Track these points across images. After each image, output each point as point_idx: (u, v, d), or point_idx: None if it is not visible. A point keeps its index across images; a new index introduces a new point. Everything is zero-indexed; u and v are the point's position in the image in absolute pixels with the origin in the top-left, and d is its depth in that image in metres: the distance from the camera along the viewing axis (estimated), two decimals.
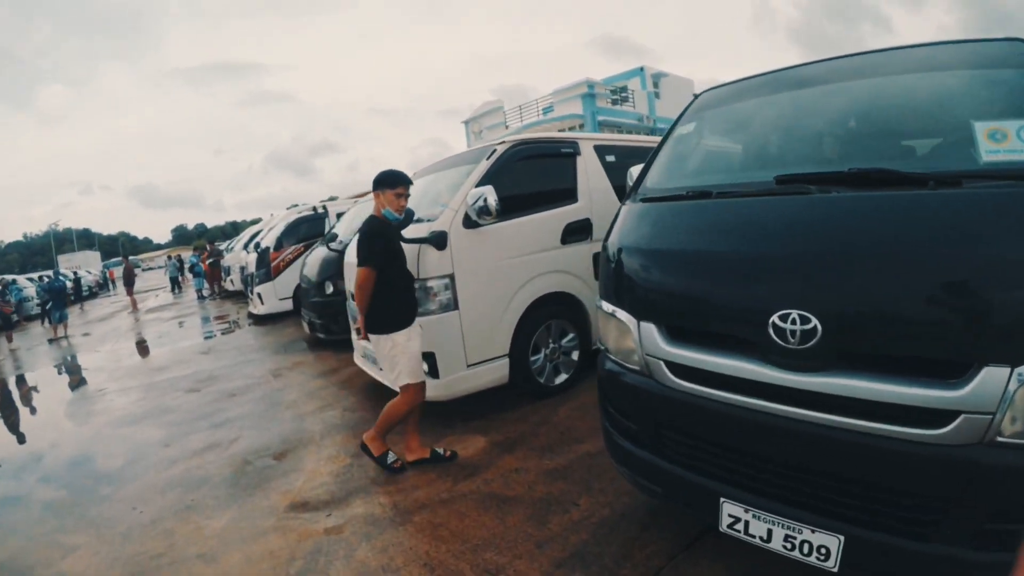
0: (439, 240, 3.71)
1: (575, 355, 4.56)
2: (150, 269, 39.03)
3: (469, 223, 3.86)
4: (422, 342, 3.43)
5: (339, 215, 11.22)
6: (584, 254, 4.53)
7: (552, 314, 4.39)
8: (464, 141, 38.30)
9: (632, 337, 2.07)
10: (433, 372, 3.76)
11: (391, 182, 3.30)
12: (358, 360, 4.96)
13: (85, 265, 42.55)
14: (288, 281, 10.70)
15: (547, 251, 4.33)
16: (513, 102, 35.84)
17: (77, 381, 7.57)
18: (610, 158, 5.05)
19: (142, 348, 9.78)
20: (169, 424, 4.88)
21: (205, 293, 18.23)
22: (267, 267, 10.61)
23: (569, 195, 4.60)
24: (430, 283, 3.72)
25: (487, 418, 4.05)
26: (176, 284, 22.22)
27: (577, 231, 4.52)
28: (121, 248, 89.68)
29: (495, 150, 4.25)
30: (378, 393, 4.76)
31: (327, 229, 11.05)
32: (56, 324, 12.85)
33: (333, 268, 6.93)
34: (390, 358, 3.27)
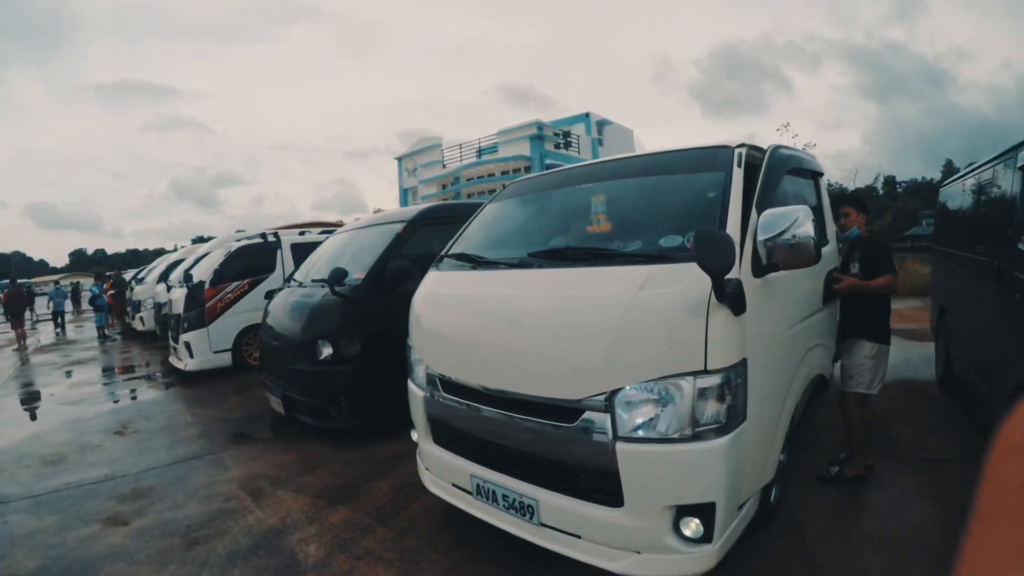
0: (736, 297, 2.02)
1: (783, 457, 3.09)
2: (43, 295, 34.11)
3: (759, 268, 2.27)
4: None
5: (297, 247, 9.05)
6: (829, 318, 3.34)
7: (803, 407, 3.17)
8: (396, 176, 36.30)
9: None
10: (706, 535, 2.09)
11: None
12: (438, 486, 3.00)
13: None
14: (227, 328, 8.32)
15: (815, 314, 3.08)
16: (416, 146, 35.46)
17: None
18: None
19: (26, 412, 6.94)
20: None
21: (108, 331, 14.77)
22: (200, 308, 8.15)
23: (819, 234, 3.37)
24: (714, 380, 2.02)
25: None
26: (59, 320, 16.81)
27: (831, 285, 3.33)
28: (13, 268, 78.50)
29: (737, 153, 2.65)
30: (470, 535, 2.85)
31: (279, 263, 8.84)
32: None
33: (334, 321, 4.85)
34: (858, 367, 3.31)
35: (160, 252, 26.54)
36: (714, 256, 1.92)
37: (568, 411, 2.26)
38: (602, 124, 32.87)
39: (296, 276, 6.20)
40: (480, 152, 31.05)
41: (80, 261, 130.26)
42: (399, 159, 36.43)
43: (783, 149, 3.05)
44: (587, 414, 2.20)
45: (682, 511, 2.10)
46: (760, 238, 2.20)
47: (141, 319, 13.05)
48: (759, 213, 2.33)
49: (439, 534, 3.12)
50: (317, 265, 6.10)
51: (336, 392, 4.79)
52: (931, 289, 6.25)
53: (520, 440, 2.47)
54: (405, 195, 35.51)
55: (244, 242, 9.13)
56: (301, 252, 8.98)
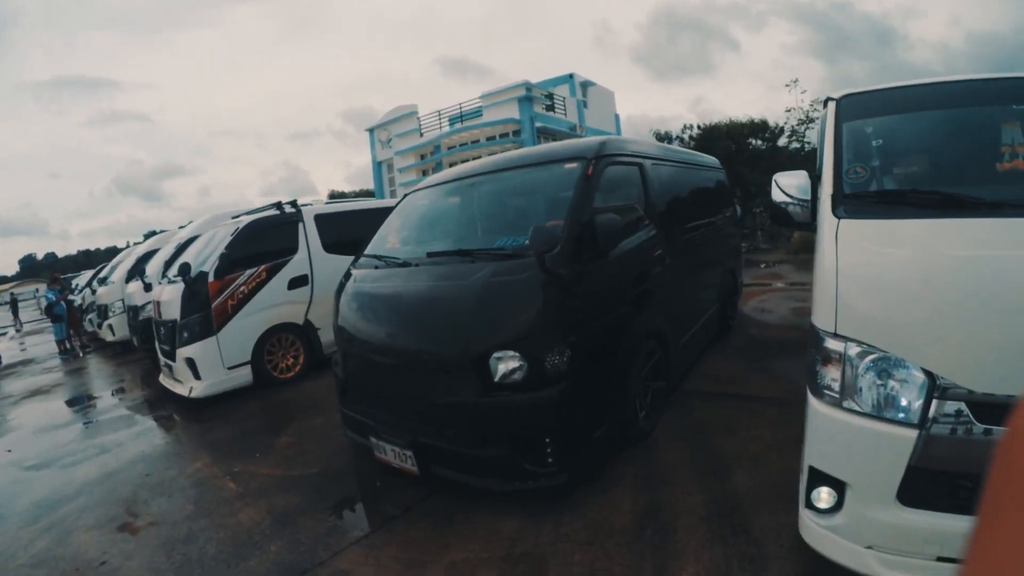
0: None
1: None
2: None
3: None
4: None
5: (323, 219, 6.86)
6: None
7: None
8: (368, 151, 33.45)
9: None
10: None
11: None
12: (909, 570, 1.65)
13: None
14: (244, 333, 6.03)
15: None
16: (360, 125, 33.05)
17: None
18: None
19: None
20: None
21: (72, 344, 11.97)
22: (204, 309, 5.83)
23: None
24: None
25: None
26: None
27: None
28: None
29: None
30: None
31: (302, 240, 6.61)
32: None
33: (529, 316, 2.77)
34: None
35: (113, 251, 23.70)
36: None
37: None
38: (586, 85, 30.93)
39: (377, 251, 4.02)
40: (462, 118, 28.54)
41: (32, 267, 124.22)
42: (370, 130, 33.55)
43: None
44: None
45: None
46: None
47: (110, 327, 10.35)
48: None
49: None
50: (417, 230, 3.97)
51: (536, 434, 2.74)
52: None
53: None
54: (379, 168, 32.85)
55: (249, 217, 6.76)
56: (329, 226, 6.82)
